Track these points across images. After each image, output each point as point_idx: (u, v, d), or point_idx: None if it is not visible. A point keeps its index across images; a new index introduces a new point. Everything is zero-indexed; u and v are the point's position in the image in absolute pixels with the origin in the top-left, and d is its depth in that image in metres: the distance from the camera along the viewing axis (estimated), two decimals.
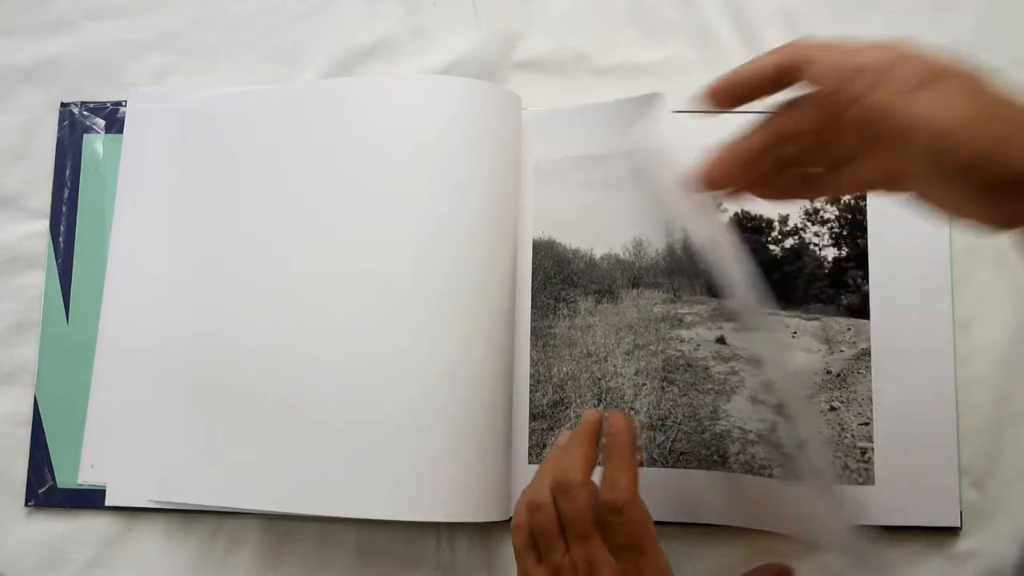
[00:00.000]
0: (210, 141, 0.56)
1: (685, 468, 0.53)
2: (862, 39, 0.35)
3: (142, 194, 0.57)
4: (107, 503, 0.54)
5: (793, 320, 0.55)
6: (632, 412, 0.54)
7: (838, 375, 0.55)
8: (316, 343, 0.51)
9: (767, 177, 0.40)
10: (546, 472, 0.44)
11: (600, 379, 0.54)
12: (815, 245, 0.56)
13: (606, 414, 0.45)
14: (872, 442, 0.53)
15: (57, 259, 0.58)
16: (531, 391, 0.54)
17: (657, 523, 0.54)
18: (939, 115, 0.32)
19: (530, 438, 0.54)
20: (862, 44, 0.35)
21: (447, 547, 0.54)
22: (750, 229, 0.56)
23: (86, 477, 0.55)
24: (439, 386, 0.50)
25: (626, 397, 0.54)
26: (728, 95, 0.39)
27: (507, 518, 0.52)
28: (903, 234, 0.55)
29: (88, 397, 0.56)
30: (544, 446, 0.54)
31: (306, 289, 0.52)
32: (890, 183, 0.37)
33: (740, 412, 0.53)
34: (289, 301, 0.52)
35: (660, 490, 0.53)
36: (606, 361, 0.55)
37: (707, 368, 0.54)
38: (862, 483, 0.53)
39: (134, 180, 0.58)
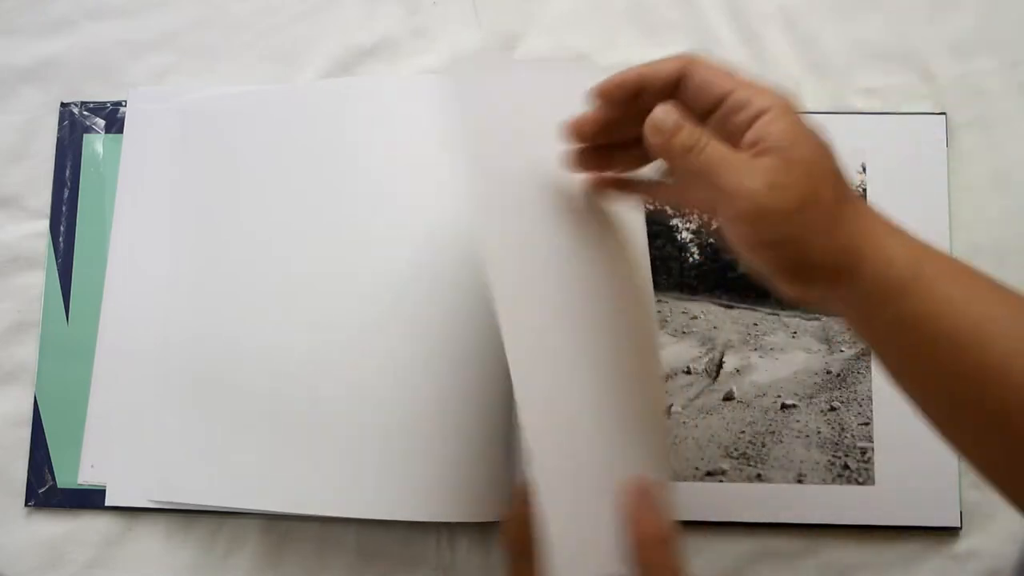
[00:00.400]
0: (210, 141, 0.56)
1: None
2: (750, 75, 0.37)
3: (142, 194, 0.57)
4: (107, 503, 0.54)
5: (793, 320, 0.55)
6: None
7: (838, 375, 0.55)
8: (315, 343, 0.51)
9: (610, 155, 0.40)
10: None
11: None
12: None
13: None
14: (872, 442, 0.53)
15: (57, 259, 0.58)
16: None
17: None
18: (759, 189, 0.33)
19: None
20: (748, 81, 0.37)
21: (447, 547, 0.54)
22: None
23: (86, 477, 0.55)
24: (439, 386, 0.50)
25: None
26: (617, 93, 0.38)
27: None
28: None
29: (88, 397, 0.55)
30: None
31: (305, 289, 0.52)
32: (710, 210, 0.37)
33: None
34: (289, 301, 0.52)
35: None
36: None
37: None
38: (862, 483, 0.53)
39: (134, 180, 0.58)
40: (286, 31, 0.61)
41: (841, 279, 0.33)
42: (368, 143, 0.53)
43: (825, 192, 0.33)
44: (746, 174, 0.33)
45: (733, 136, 0.35)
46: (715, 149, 0.34)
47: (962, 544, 0.53)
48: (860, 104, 0.58)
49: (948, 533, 0.53)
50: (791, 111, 0.35)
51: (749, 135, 0.34)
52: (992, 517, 0.53)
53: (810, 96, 0.58)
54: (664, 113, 0.35)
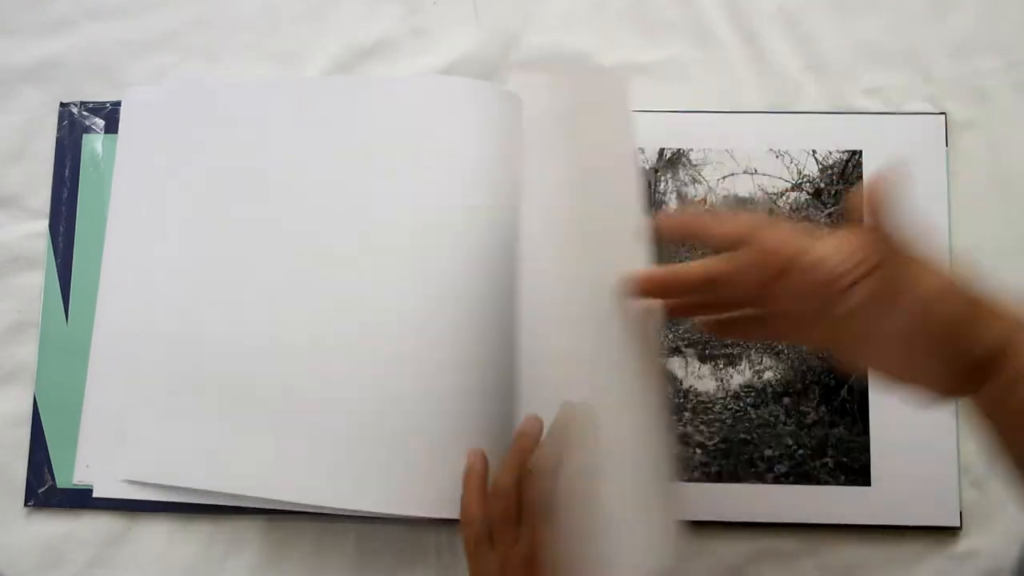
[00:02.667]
0: (206, 138, 0.56)
1: None
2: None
3: (137, 192, 0.57)
4: (95, 494, 0.54)
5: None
6: None
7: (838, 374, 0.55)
8: (313, 339, 0.51)
9: (697, 307, 0.44)
10: (512, 464, 0.45)
11: None
12: None
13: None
14: (872, 442, 0.54)
15: (56, 259, 0.58)
16: None
17: None
18: (927, 285, 0.36)
19: None
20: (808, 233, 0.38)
21: (447, 547, 0.54)
22: None
23: (81, 477, 0.55)
24: (441, 383, 0.50)
25: None
26: (658, 289, 0.43)
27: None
28: None
29: None
30: None
31: (303, 284, 0.52)
32: (840, 346, 0.39)
33: None
34: (288, 296, 0.52)
35: None
36: None
37: None
38: (862, 483, 0.53)
39: (129, 178, 0.58)
40: (286, 31, 0.61)
41: (992, 369, 0.36)
42: (368, 141, 0.53)
43: (960, 282, 0.37)
44: (925, 272, 0.37)
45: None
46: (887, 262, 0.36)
47: (962, 544, 0.53)
48: (860, 104, 0.58)
49: (948, 533, 0.53)
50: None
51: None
52: (992, 517, 0.53)
53: (810, 96, 0.58)
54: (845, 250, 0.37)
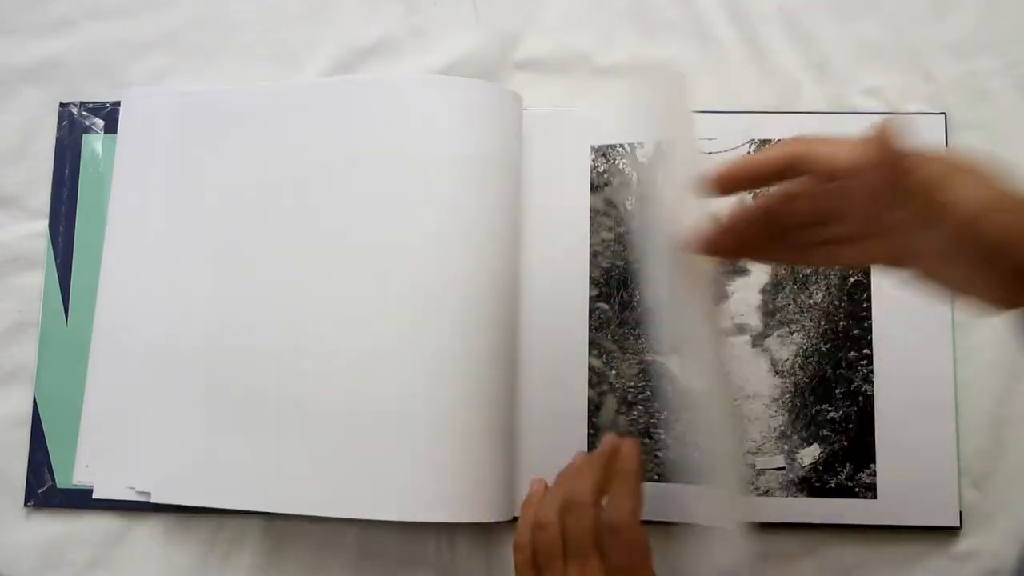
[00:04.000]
0: (207, 139, 0.56)
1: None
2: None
3: (137, 193, 0.57)
4: (95, 495, 0.54)
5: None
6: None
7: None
8: (315, 342, 0.51)
9: (762, 243, 0.41)
10: (556, 493, 0.45)
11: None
12: None
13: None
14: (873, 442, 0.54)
15: (56, 259, 0.58)
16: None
17: (659, 522, 0.54)
18: (974, 198, 0.34)
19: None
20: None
21: (447, 548, 0.54)
22: None
23: (81, 477, 0.55)
24: (441, 387, 0.50)
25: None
26: (731, 183, 0.40)
27: (508, 519, 0.52)
28: None
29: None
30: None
31: (305, 288, 0.52)
32: (894, 260, 0.38)
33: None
34: (288, 300, 0.52)
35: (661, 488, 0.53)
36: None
37: None
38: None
39: (129, 179, 0.58)
40: (286, 31, 0.61)
41: None
42: (368, 141, 0.53)
43: (1016, 193, 0.35)
44: (959, 186, 0.34)
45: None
46: (930, 169, 0.35)
47: (962, 544, 0.53)
48: (860, 104, 0.58)
49: (948, 533, 0.53)
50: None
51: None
52: (992, 517, 0.53)
53: (810, 96, 0.58)
54: (890, 128, 0.35)
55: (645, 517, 0.44)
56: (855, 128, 0.55)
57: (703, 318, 0.43)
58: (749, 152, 0.57)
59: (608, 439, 0.46)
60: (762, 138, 0.56)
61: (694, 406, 0.43)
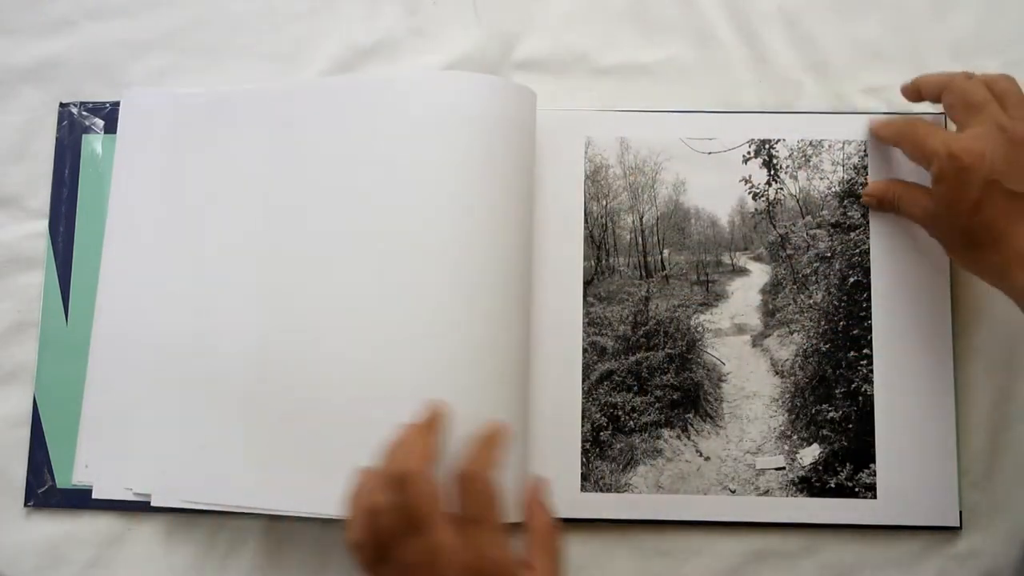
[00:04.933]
0: (206, 139, 0.56)
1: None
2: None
3: (136, 193, 0.57)
4: (94, 496, 0.54)
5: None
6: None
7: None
8: (318, 342, 0.51)
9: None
10: (380, 475, 0.43)
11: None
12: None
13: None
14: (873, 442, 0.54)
15: (56, 259, 0.58)
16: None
17: (659, 522, 0.54)
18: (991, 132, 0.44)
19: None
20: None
21: None
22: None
23: (80, 477, 0.55)
24: (447, 386, 0.49)
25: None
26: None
27: (514, 521, 0.51)
28: (903, 236, 0.55)
29: None
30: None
31: (308, 287, 0.52)
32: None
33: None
34: (291, 300, 0.52)
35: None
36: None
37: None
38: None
39: (128, 180, 0.58)
40: (286, 31, 0.61)
41: None
42: (379, 139, 0.52)
43: None
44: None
45: None
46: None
47: (962, 544, 0.53)
48: (860, 104, 0.58)
49: (948, 533, 0.53)
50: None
51: None
52: (992, 517, 0.53)
53: (810, 96, 0.58)
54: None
55: None
56: (855, 128, 0.56)
57: None
58: (748, 152, 0.57)
59: (427, 405, 0.46)
60: (762, 138, 0.56)
61: None
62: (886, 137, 0.54)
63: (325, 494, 0.49)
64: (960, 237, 0.49)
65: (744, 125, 0.57)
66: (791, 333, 0.55)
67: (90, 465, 0.55)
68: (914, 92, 0.53)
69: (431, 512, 0.42)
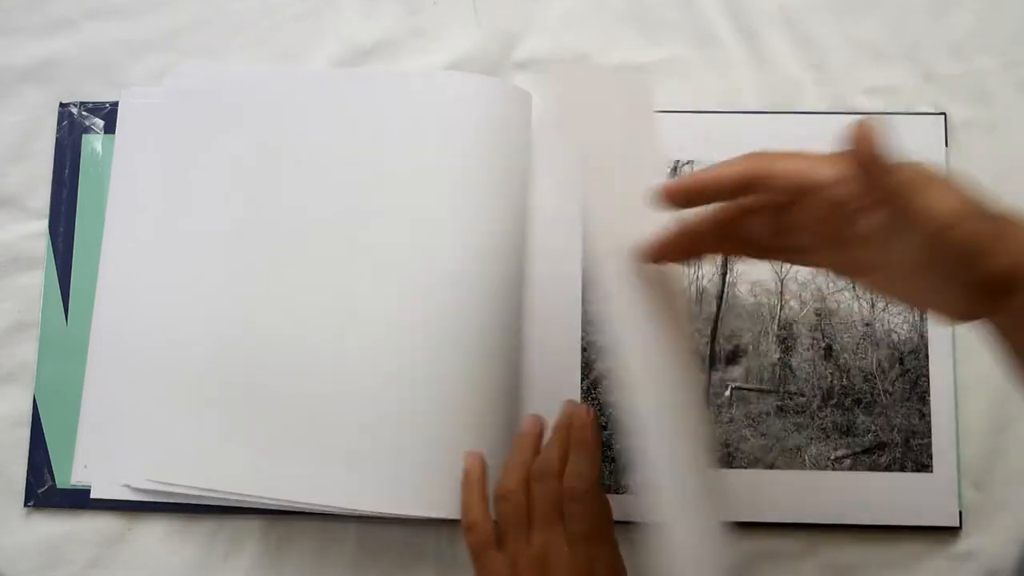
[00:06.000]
0: (204, 138, 0.56)
1: None
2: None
3: (135, 193, 0.57)
4: (92, 495, 0.54)
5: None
6: None
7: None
8: (317, 340, 0.51)
9: (714, 245, 0.41)
10: (517, 463, 0.46)
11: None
12: None
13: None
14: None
15: (56, 259, 0.58)
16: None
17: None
18: (948, 205, 0.33)
19: None
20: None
21: (448, 545, 0.54)
22: None
23: (79, 477, 0.55)
24: (444, 382, 0.50)
25: None
26: (684, 198, 0.39)
27: None
28: None
29: None
30: None
31: (307, 284, 0.52)
32: (853, 271, 0.38)
33: None
34: (289, 297, 0.52)
35: None
36: None
37: None
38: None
39: (126, 179, 0.58)
40: (286, 31, 0.61)
41: (1013, 289, 0.33)
42: (377, 137, 0.52)
43: (981, 203, 0.34)
44: (929, 196, 0.33)
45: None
46: (910, 169, 0.34)
47: (962, 544, 0.53)
48: (860, 104, 0.58)
49: (948, 533, 0.53)
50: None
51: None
52: (992, 517, 0.53)
53: (810, 96, 0.58)
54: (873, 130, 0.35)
55: None
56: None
57: (656, 332, 0.42)
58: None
59: (565, 406, 0.47)
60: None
61: (642, 431, 0.39)
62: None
63: (327, 489, 0.50)
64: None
65: (744, 125, 0.57)
66: None
67: (89, 465, 0.55)
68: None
69: (553, 513, 0.44)
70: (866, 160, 0.34)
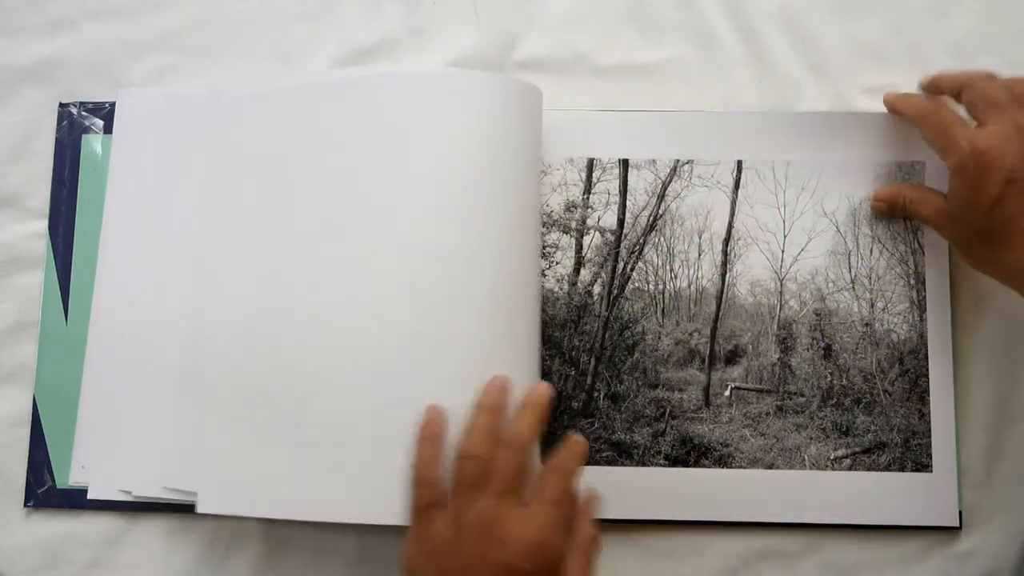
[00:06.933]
0: (202, 138, 0.56)
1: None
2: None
3: (133, 193, 0.57)
4: (89, 496, 0.54)
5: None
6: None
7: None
8: (316, 342, 0.51)
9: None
10: (486, 425, 0.46)
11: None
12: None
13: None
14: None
15: (56, 259, 0.58)
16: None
17: (659, 522, 0.54)
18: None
19: None
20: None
21: None
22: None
23: (77, 478, 0.55)
24: (449, 392, 0.49)
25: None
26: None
27: None
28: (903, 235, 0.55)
29: None
30: None
31: (308, 287, 0.51)
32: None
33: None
34: (289, 300, 0.52)
35: (661, 488, 0.53)
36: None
37: None
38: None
39: (124, 180, 0.57)
40: (286, 31, 0.61)
41: None
42: (386, 137, 0.51)
43: None
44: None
45: None
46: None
47: (962, 544, 0.53)
48: (860, 104, 0.58)
49: (948, 533, 0.53)
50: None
51: None
52: (992, 517, 0.53)
53: (810, 96, 0.58)
54: None
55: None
56: (855, 128, 0.56)
57: None
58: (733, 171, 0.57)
59: (541, 386, 0.48)
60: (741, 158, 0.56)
61: None
62: (905, 112, 0.53)
63: (322, 498, 0.49)
64: (975, 236, 0.49)
65: (744, 125, 0.57)
66: None
67: (86, 466, 0.55)
68: (934, 87, 0.53)
69: (512, 481, 0.44)
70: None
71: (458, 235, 0.50)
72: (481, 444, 0.45)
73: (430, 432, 0.46)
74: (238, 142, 0.55)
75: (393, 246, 0.50)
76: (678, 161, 0.57)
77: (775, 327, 0.55)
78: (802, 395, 0.55)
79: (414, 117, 0.51)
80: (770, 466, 0.53)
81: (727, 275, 0.56)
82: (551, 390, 0.48)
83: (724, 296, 0.56)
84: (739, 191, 0.56)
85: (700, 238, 0.56)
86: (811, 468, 0.53)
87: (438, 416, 0.47)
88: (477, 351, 0.49)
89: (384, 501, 0.48)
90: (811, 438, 0.54)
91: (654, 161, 0.57)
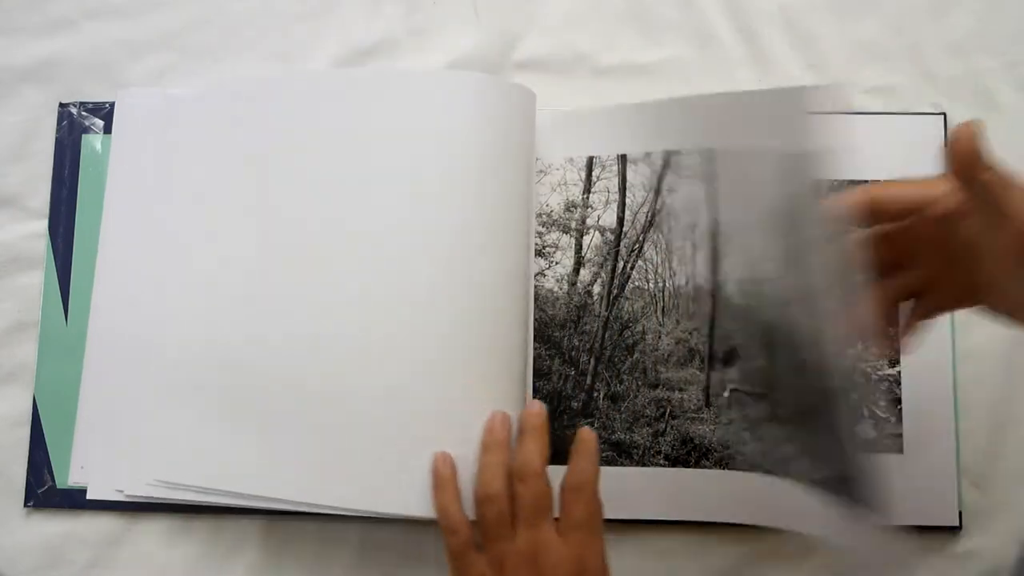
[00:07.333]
0: (200, 138, 0.56)
1: (687, 466, 0.53)
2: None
3: (132, 193, 0.57)
4: (88, 496, 0.54)
5: None
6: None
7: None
8: (316, 340, 0.51)
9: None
10: (496, 463, 0.46)
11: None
12: None
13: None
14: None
15: (56, 259, 0.58)
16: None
17: (659, 522, 0.54)
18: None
19: None
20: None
21: None
22: None
23: (76, 478, 0.55)
24: (447, 383, 0.49)
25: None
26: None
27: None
28: None
29: None
30: None
31: (304, 282, 0.52)
32: (969, 295, 0.41)
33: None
34: (288, 297, 0.52)
35: (661, 488, 0.53)
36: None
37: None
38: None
39: (123, 179, 0.58)
40: (286, 31, 0.61)
41: None
42: (379, 137, 0.52)
43: None
44: (1014, 196, 0.37)
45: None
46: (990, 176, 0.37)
47: (962, 544, 0.53)
48: (860, 104, 0.58)
49: (948, 533, 0.53)
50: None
51: None
52: (992, 517, 0.53)
53: None
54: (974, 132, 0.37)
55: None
56: (854, 128, 0.56)
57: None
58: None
59: (539, 407, 0.48)
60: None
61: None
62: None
63: (324, 492, 0.49)
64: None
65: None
66: None
67: (85, 466, 0.55)
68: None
69: (540, 509, 0.44)
70: (963, 159, 0.36)
71: (449, 232, 0.50)
72: (495, 482, 0.45)
73: (440, 480, 0.47)
74: (236, 141, 0.55)
75: (384, 242, 0.51)
76: (668, 152, 0.56)
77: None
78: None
79: (404, 116, 0.52)
80: (768, 472, 0.53)
81: (718, 272, 0.55)
82: (544, 408, 0.48)
83: (718, 294, 0.56)
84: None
85: (694, 233, 0.56)
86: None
87: (446, 460, 0.47)
88: (465, 344, 0.50)
89: (384, 491, 0.48)
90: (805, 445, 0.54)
91: (648, 154, 0.56)
